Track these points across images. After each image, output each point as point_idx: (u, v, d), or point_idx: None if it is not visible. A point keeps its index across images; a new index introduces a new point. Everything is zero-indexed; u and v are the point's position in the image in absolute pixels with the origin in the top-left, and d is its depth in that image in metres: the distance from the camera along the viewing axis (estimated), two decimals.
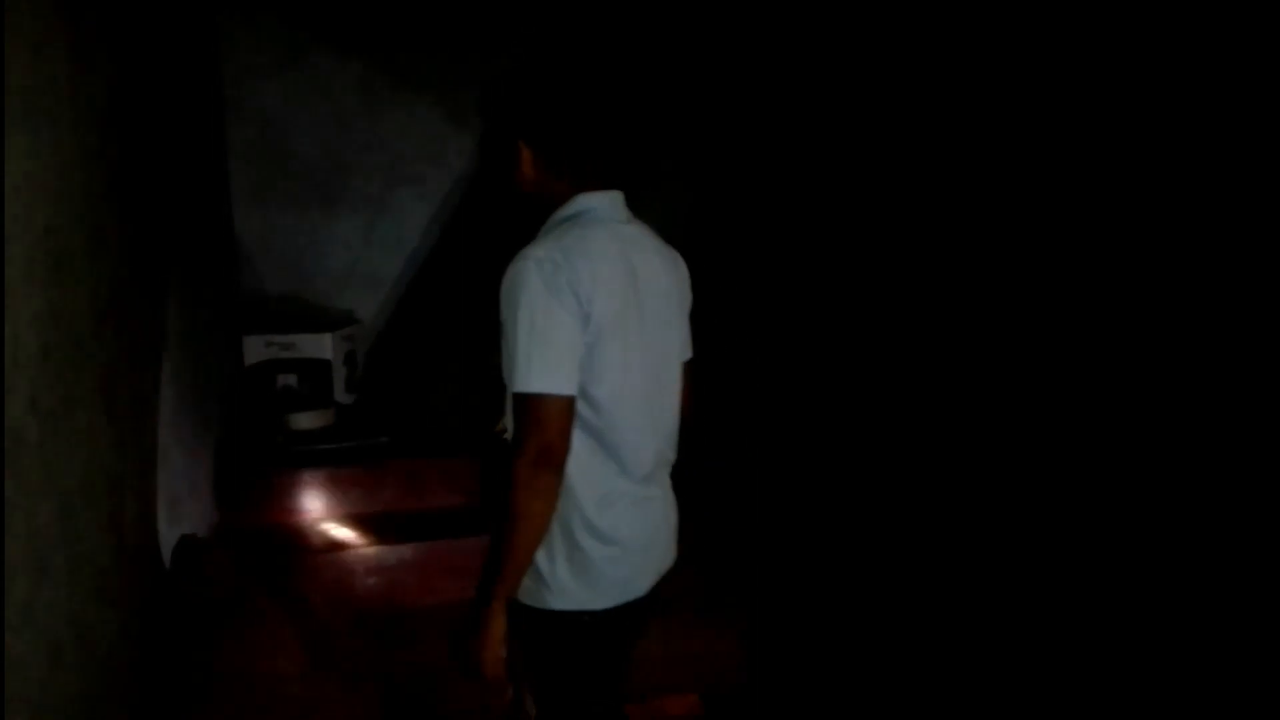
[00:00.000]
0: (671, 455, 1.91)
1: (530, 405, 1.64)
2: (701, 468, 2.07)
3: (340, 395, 4.31)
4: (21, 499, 1.82)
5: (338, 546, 3.50)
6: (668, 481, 1.93)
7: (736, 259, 3.99)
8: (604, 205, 1.79)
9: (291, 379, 4.15)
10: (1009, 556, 2.69)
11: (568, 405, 1.66)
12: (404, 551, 3.46)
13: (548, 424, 1.63)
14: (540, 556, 1.75)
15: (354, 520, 3.67)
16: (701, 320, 1.98)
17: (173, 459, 2.85)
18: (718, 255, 4.26)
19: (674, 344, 1.87)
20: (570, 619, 1.79)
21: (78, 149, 2.16)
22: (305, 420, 3.95)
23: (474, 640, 1.72)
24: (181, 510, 2.96)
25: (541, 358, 1.62)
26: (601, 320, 1.68)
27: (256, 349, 4.16)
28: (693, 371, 1.95)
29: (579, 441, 1.72)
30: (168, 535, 2.78)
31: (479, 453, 2.08)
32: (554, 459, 1.66)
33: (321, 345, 4.17)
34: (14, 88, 1.83)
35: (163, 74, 2.83)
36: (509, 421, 1.75)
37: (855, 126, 3.60)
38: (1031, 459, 2.68)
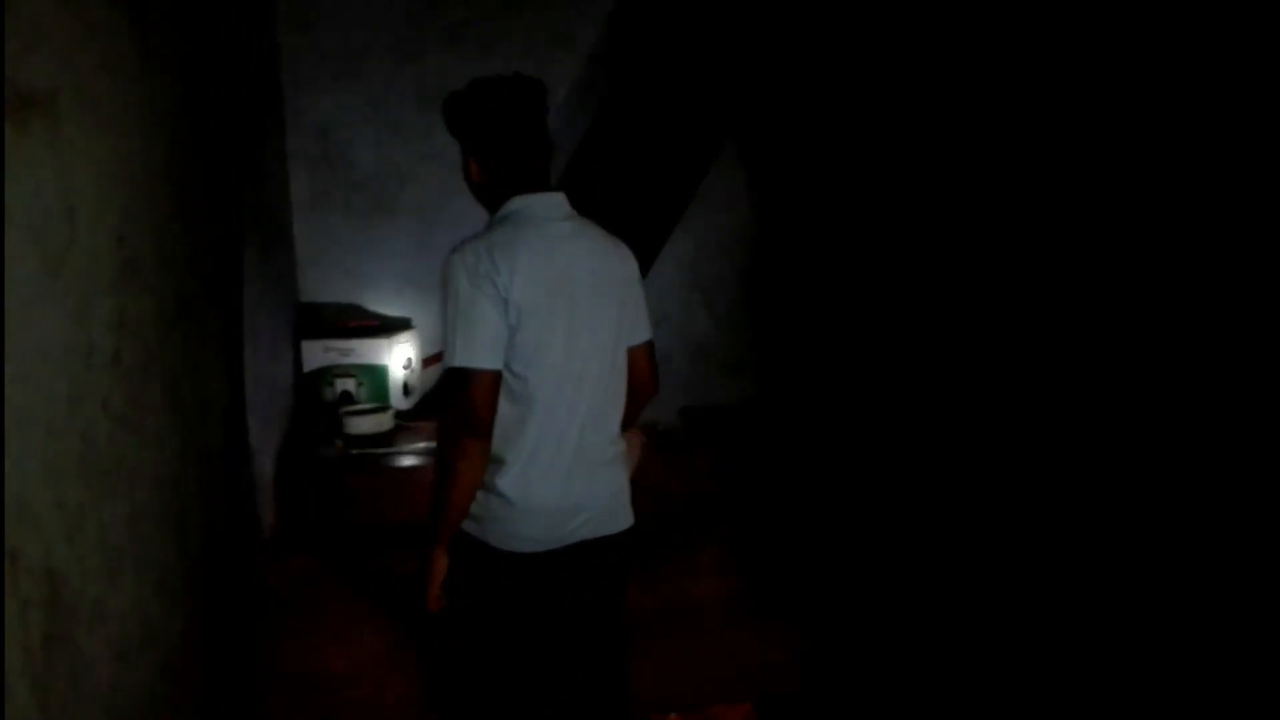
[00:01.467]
0: (612, 428, 2.13)
1: (457, 378, 1.95)
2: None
3: (398, 400, 4.36)
4: (92, 500, 1.87)
5: (396, 549, 3.53)
6: (608, 452, 2.12)
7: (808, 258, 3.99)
8: (535, 205, 2.06)
9: (350, 383, 4.21)
10: (1061, 565, 2.66)
11: (489, 379, 1.96)
12: None
13: (472, 394, 1.95)
14: (479, 496, 2.06)
15: (412, 523, 3.69)
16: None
17: (234, 461, 2.90)
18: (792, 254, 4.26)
19: (608, 328, 2.08)
20: (497, 555, 2.07)
21: (146, 160, 2.22)
22: (363, 424, 3.99)
23: (423, 579, 2.09)
24: (243, 511, 3.02)
25: (465, 338, 1.94)
26: (521, 306, 1.96)
27: (315, 354, 4.23)
28: (653, 351, 2.21)
29: (509, 410, 2.02)
30: (230, 536, 2.83)
31: None
32: (478, 424, 1.97)
33: (379, 350, 4.23)
34: (88, 100, 1.88)
35: (225, 85, 2.89)
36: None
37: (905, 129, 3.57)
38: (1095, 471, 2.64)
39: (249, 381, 3.11)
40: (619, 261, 2.14)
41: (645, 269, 3.74)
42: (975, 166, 3.25)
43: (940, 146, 3.43)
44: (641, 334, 2.19)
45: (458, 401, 1.96)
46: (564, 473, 2.05)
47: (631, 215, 3.84)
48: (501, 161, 2.09)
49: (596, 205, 2.43)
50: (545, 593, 2.11)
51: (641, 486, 3.82)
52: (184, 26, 2.50)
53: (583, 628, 2.19)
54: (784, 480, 3.86)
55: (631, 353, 2.18)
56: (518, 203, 2.07)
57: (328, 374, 4.22)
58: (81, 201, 1.84)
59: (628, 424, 2.23)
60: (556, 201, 2.10)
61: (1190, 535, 2.27)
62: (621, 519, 2.18)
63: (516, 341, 1.99)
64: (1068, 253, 2.69)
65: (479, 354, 1.95)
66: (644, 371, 2.20)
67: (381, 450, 3.97)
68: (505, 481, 2.03)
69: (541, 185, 2.10)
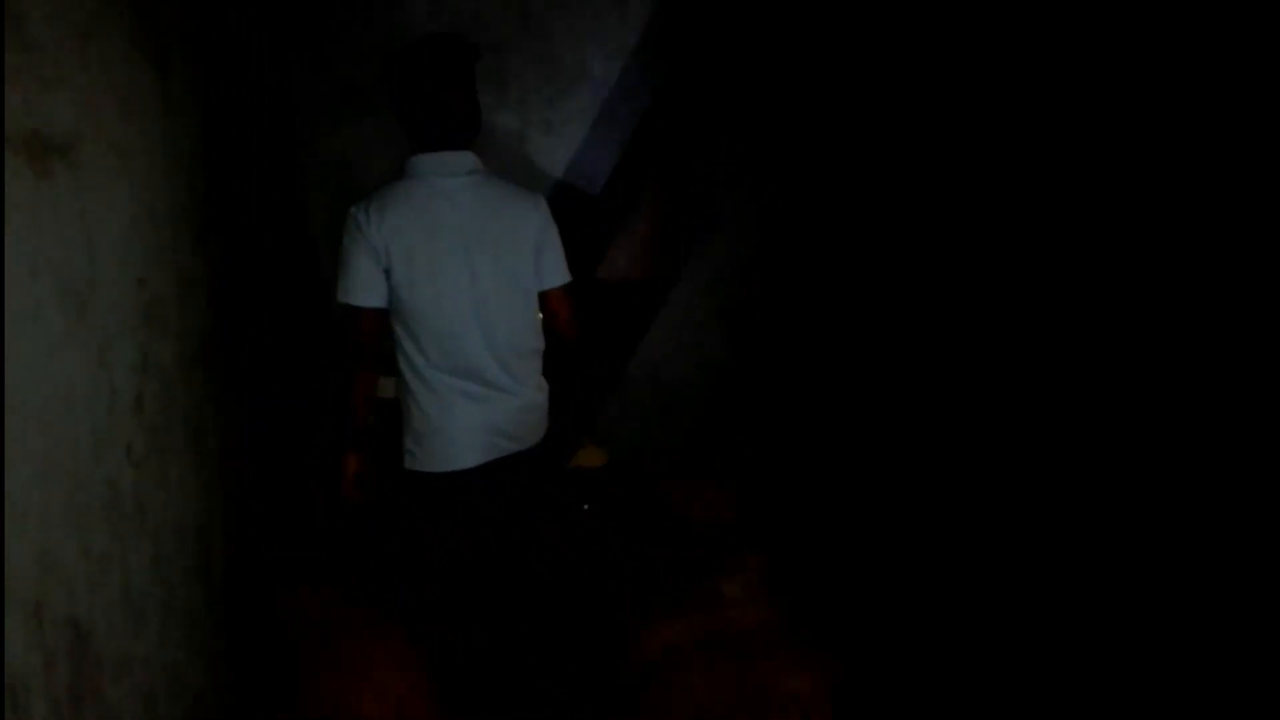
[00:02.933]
0: (512, 361, 2.37)
1: (342, 312, 2.36)
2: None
3: None
4: (116, 548, 1.85)
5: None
6: (508, 380, 2.37)
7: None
8: (429, 163, 2.31)
9: (371, 418, 4.17)
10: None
11: (364, 313, 2.33)
12: None
13: (353, 326, 2.35)
14: (404, 431, 2.44)
15: None
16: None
17: (257, 502, 2.87)
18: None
19: (490, 272, 2.31)
20: (418, 478, 2.43)
21: (167, 201, 2.21)
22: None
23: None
24: (268, 551, 2.99)
25: (345, 279, 2.32)
26: (390, 253, 2.27)
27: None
28: (572, 291, 2.47)
29: (409, 345, 2.35)
30: (254, 577, 2.80)
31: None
32: (359, 351, 2.38)
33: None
34: (109, 143, 1.87)
35: (243, 123, 2.89)
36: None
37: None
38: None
39: (272, 417, 3.09)
40: (511, 214, 2.33)
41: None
42: (991, 199, 3.22)
43: (963, 179, 3.40)
44: (551, 279, 2.41)
45: (346, 333, 2.37)
46: (468, 400, 2.35)
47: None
48: (413, 122, 2.33)
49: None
50: (462, 509, 2.43)
51: (661, 515, 3.78)
52: (202, 66, 2.50)
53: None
54: (808, 504, 3.81)
55: (543, 296, 2.43)
56: (416, 160, 2.33)
57: None
58: (103, 245, 1.83)
59: (557, 361, 2.54)
60: (457, 160, 2.32)
61: (1213, 537, 2.25)
62: (529, 439, 2.46)
63: (392, 284, 2.31)
64: (1084, 279, 2.66)
65: (353, 293, 2.32)
66: (556, 314, 2.46)
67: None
68: (415, 411, 2.39)
69: (450, 145, 2.32)
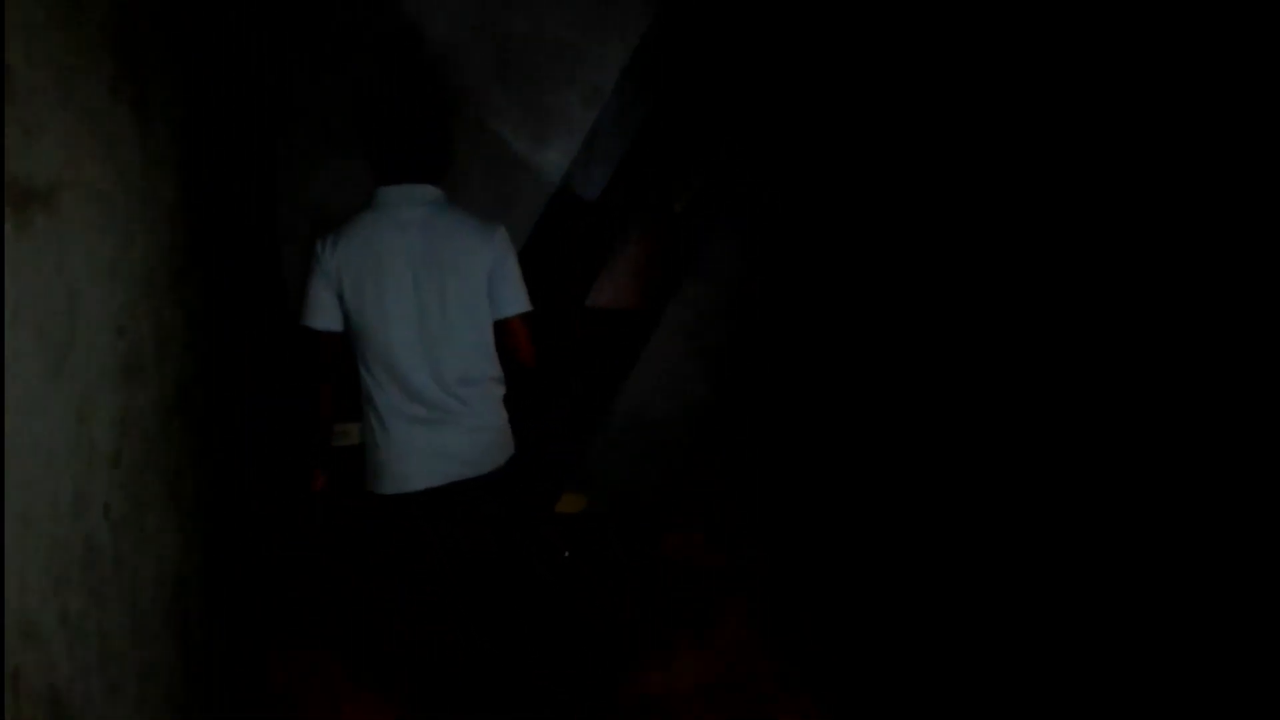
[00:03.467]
0: (460, 388, 2.39)
1: (301, 334, 2.47)
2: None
3: None
4: (94, 609, 1.77)
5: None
6: (458, 405, 2.40)
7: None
8: (390, 194, 2.40)
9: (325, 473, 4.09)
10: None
11: (320, 336, 2.46)
12: None
13: (311, 347, 2.47)
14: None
15: None
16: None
17: (237, 555, 2.79)
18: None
19: (450, 301, 2.35)
20: (374, 498, 2.49)
21: (146, 249, 2.15)
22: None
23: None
24: (248, 606, 2.90)
25: (306, 303, 2.45)
26: (346, 281, 2.38)
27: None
28: (530, 322, 2.48)
29: (363, 369, 2.45)
30: (235, 634, 2.71)
31: None
32: (318, 368, 2.49)
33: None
34: (89, 191, 1.82)
35: (222, 166, 2.84)
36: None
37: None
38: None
39: (251, 470, 3.01)
40: (462, 243, 2.37)
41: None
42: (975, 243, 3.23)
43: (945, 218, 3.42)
44: (506, 308, 2.43)
45: (306, 352, 2.49)
46: (418, 425, 2.39)
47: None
48: (377, 154, 2.42)
49: None
50: (414, 530, 2.47)
51: (651, 561, 3.73)
52: (182, 108, 2.45)
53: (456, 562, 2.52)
54: (798, 546, 3.77)
55: (500, 325, 2.45)
56: (378, 192, 2.43)
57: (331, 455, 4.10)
58: (83, 294, 1.77)
59: (517, 388, 2.56)
60: (417, 192, 2.40)
61: (1205, 536, 2.24)
62: (485, 464, 2.46)
63: (344, 309, 2.43)
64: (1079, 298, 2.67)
65: (308, 316, 2.45)
66: (513, 343, 2.47)
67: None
68: (370, 433, 2.46)
69: (411, 177, 2.40)
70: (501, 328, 2.44)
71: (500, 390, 2.53)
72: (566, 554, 3.81)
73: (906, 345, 3.66)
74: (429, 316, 2.36)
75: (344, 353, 2.51)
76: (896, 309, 3.73)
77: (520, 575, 2.70)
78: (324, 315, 2.45)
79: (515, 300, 2.43)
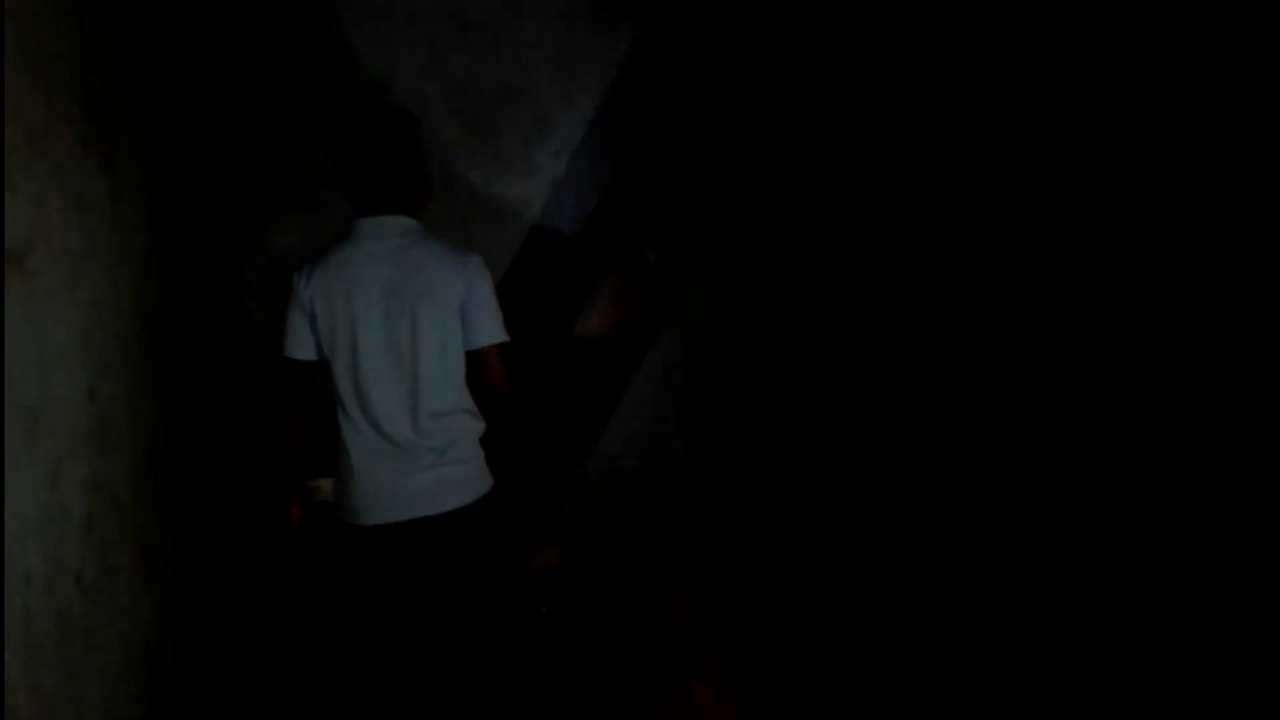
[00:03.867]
0: (428, 421, 2.35)
1: (279, 364, 2.44)
2: None
3: None
4: (67, 686, 1.70)
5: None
6: (423, 440, 2.35)
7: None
8: (364, 226, 2.37)
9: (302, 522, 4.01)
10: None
11: (293, 364, 2.41)
12: None
13: (284, 375, 2.43)
14: None
15: None
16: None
17: (209, 620, 2.71)
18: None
19: (420, 333, 2.32)
20: (340, 523, 2.45)
21: (116, 307, 2.10)
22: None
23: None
24: (220, 673, 2.81)
25: (283, 332, 2.41)
26: (314, 310, 2.36)
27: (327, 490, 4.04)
28: (506, 353, 2.43)
29: (335, 398, 2.41)
30: (208, 702, 2.62)
31: None
32: (290, 396, 2.45)
33: None
34: (59, 249, 1.78)
35: (191, 219, 2.79)
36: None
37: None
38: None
39: (223, 532, 2.94)
40: (435, 273, 2.33)
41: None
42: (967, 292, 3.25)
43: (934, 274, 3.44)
44: (480, 339, 2.37)
45: (281, 383, 2.45)
46: (379, 458, 2.36)
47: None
48: (351, 186, 2.39)
49: None
50: (382, 561, 2.43)
51: (625, 617, 3.67)
52: (150, 162, 2.41)
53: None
54: (776, 602, 3.74)
55: (475, 355, 2.39)
56: (353, 224, 2.40)
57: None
58: (55, 357, 1.72)
59: (492, 426, 2.51)
60: (391, 223, 2.37)
61: (1193, 536, 2.24)
62: (449, 501, 2.39)
63: (317, 339, 2.39)
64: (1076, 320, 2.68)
65: (287, 345, 2.41)
66: (487, 374, 2.41)
67: None
68: (339, 462, 2.43)
69: (385, 209, 2.37)
70: (475, 358, 2.40)
71: (474, 424, 2.47)
72: (544, 609, 3.74)
73: (887, 402, 3.66)
74: (399, 348, 2.34)
75: (314, 384, 2.48)
76: (872, 364, 3.74)
77: (483, 634, 2.62)
78: (299, 344, 2.42)
79: (490, 331, 2.39)
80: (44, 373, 1.66)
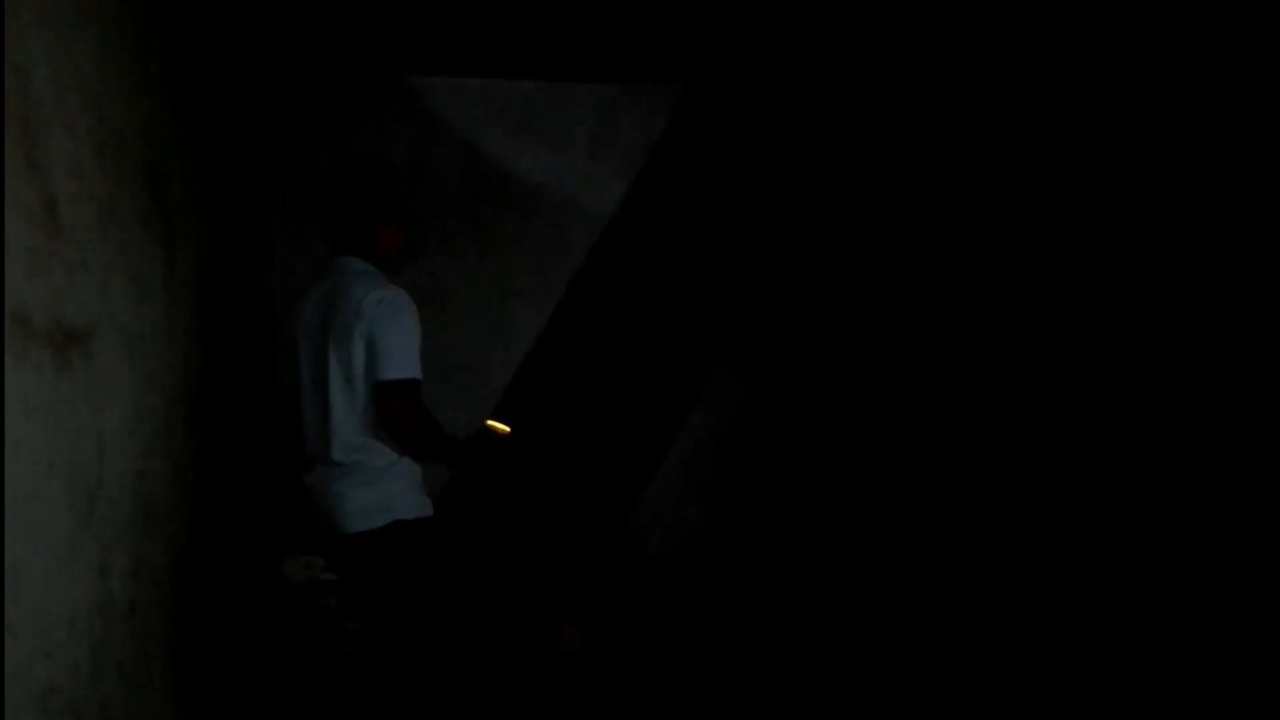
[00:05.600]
0: (334, 455, 2.38)
1: None
2: None
3: None
4: None
5: None
6: (332, 471, 2.39)
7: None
8: (333, 264, 2.46)
9: (333, 600, 3.94)
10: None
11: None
12: None
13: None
14: None
15: None
16: None
17: (235, 707, 2.63)
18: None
19: (336, 364, 2.35)
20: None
21: (168, 384, 2.07)
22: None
23: None
24: None
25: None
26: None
27: (296, 570, 3.97)
28: (407, 390, 2.34)
29: None
30: None
31: None
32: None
33: None
34: (119, 329, 1.75)
35: (236, 294, 2.77)
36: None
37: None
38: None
39: (248, 616, 2.87)
40: (349, 305, 2.35)
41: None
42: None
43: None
44: (379, 372, 2.34)
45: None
46: (309, 481, 2.44)
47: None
48: (325, 230, 2.48)
49: None
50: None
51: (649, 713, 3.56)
52: (199, 239, 2.40)
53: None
54: (794, 689, 3.64)
55: (376, 390, 2.36)
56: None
57: (311, 589, 3.94)
58: (111, 439, 1.68)
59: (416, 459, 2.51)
60: (341, 263, 2.45)
61: (1190, 536, 2.19)
62: (352, 523, 2.38)
63: None
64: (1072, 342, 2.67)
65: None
66: (384, 408, 2.36)
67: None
68: None
69: (343, 250, 2.46)
70: (377, 392, 2.37)
71: (382, 456, 2.44)
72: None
73: (905, 486, 3.62)
74: (322, 382, 2.40)
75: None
76: (887, 450, 3.71)
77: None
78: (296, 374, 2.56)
79: (388, 365, 2.35)
80: (101, 454, 1.62)
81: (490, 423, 2.53)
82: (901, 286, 3.71)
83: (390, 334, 2.35)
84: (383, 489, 2.43)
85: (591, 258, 4.04)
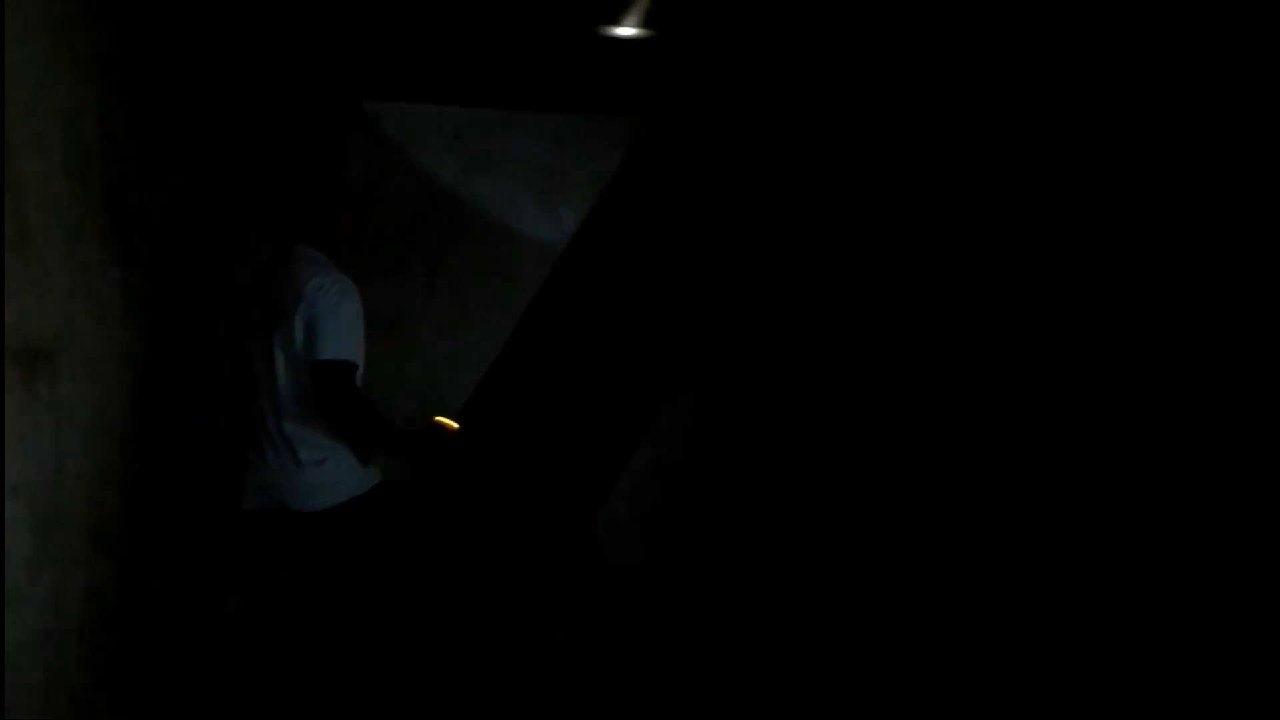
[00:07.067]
0: (280, 432, 2.42)
1: None
2: None
3: None
4: None
5: None
6: (279, 449, 2.42)
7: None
8: (283, 253, 2.52)
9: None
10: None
11: None
12: None
13: None
14: None
15: None
16: None
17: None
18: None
19: (272, 346, 2.41)
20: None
21: (122, 407, 2.05)
22: None
23: None
24: None
25: None
26: None
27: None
28: (336, 372, 2.36)
29: None
30: None
31: None
32: None
33: None
34: (83, 349, 1.74)
35: (189, 313, 2.75)
36: None
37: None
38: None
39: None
40: (290, 287, 2.41)
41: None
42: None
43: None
44: (315, 353, 2.37)
45: None
46: (260, 453, 2.45)
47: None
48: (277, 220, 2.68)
49: None
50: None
51: None
52: (155, 257, 2.38)
53: None
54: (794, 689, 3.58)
55: (309, 369, 2.38)
56: None
57: None
58: (70, 461, 1.67)
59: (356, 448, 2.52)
60: (297, 250, 2.51)
61: (1190, 535, 2.22)
62: (300, 501, 2.42)
63: None
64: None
65: None
66: (315, 387, 2.38)
67: None
68: None
69: (301, 238, 2.51)
70: (311, 372, 2.41)
71: (323, 437, 2.48)
72: None
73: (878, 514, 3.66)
74: (268, 360, 2.45)
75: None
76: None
77: None
78: None
79: (322, 347, 2.39)
80: (60, 477, 1.60)
81: (439, 419, 2.56)
82: (875, 309, 3.76)
83: (327, 317, 2.38)
84: (332, 466, 2.46)
85: (548, 285, 4.06)
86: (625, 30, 3.20)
